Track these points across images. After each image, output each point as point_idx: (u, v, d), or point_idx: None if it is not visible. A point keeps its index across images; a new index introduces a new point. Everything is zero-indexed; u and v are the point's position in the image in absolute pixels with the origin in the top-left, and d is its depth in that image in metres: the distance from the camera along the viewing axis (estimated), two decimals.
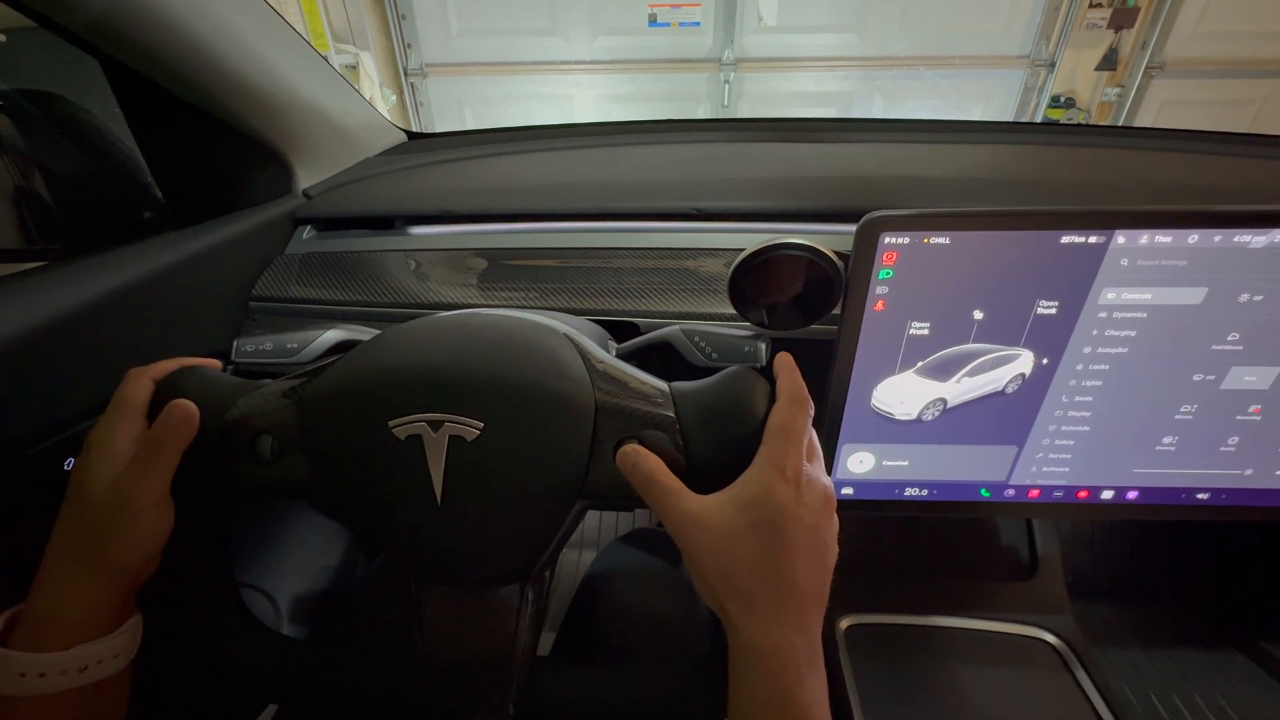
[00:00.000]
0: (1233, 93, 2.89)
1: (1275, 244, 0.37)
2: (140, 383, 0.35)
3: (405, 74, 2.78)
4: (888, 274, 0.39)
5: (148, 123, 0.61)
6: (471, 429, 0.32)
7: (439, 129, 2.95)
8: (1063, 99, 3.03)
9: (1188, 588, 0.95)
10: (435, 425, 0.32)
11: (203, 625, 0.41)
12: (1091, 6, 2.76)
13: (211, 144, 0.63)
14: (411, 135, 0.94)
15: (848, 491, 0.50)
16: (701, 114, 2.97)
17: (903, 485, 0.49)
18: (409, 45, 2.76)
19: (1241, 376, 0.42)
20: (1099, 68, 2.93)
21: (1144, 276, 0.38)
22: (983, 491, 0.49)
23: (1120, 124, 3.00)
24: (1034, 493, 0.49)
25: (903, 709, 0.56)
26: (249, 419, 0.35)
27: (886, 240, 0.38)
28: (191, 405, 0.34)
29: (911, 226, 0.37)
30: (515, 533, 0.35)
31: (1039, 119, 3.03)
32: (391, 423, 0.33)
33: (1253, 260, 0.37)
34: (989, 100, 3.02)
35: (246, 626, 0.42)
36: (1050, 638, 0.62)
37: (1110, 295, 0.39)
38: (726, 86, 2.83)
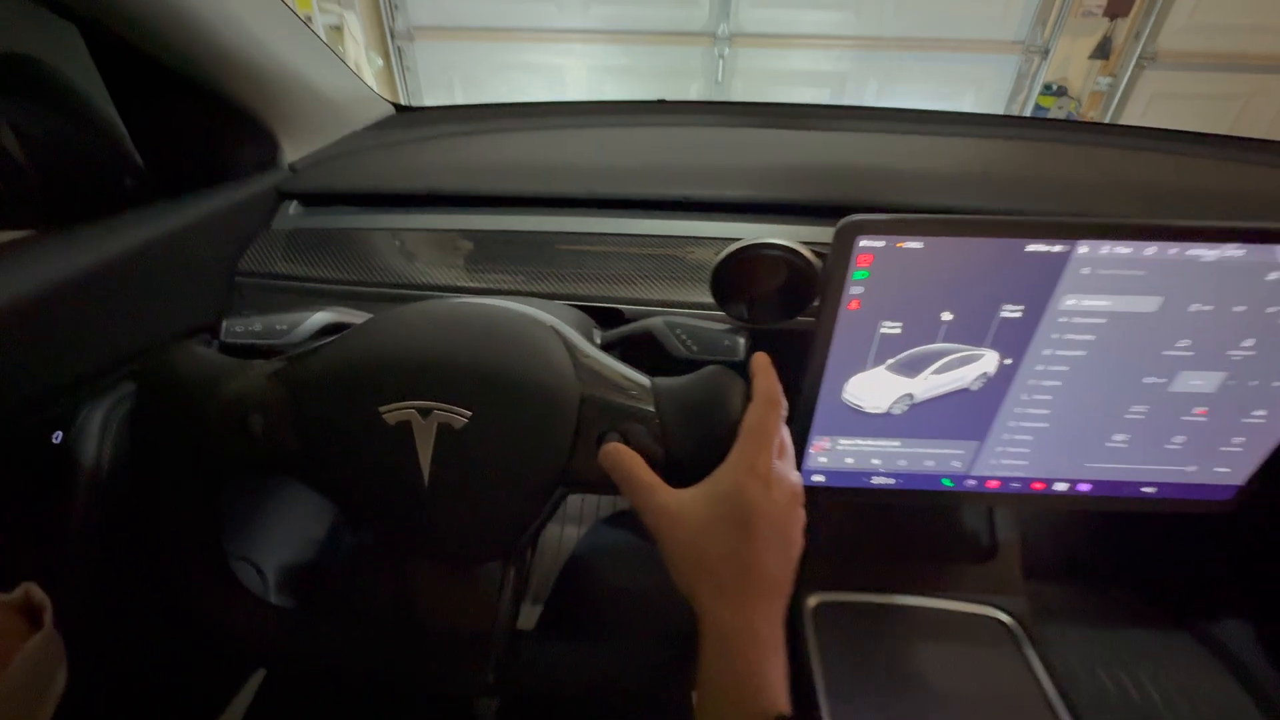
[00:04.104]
0: (1220, 87, 2.91)
1: (1225, 258, 0.39)
2: None
3: (392, 36, 2.70)
4: (863, 275, 0.41)
5: (129, 90, 0.60)
6: (459, 417, 0.34)
7: (426, 96, 2.89)
8: (1055, 87, 3.03)
9: (1140, 572, 1.01)
10: (424, 413, 0.34)
11: (195, 594, 0.42)
12: None
13: (196, 114, 0.62)
14: (399, 108, 0.93)
15: (819, 479, 0.52)
16: (695, 89, 2.93)
17: (870, 474, 0.52)
18: (396, 6, 2.67)
19: (1189, 380, 0.45)
20: (1093, 56, 2.93)
21: (1103, 285, 0.40)
22: (945, 481, 0.52)
23: (1110, 114, 3.02)
24: (993, 483, 0.51)
25: (863, 681, 0.59)
26: (241, 397, 0.36)
27: (862, 243, 0.39)
28: None
29: (886, 230, 0.39)
30: (499, 516, 0.36)
31: (1031, 106, 3.04)
32: (382, 408, 0.34)
33: (1204, 273, 0.40)
34: (982, 86, 3.01)
35: (237, 595, 0.43)
36: (1004, 616, 0.66)
37: (1071, 301, 0.41)
38: (721, 62, 2.78)
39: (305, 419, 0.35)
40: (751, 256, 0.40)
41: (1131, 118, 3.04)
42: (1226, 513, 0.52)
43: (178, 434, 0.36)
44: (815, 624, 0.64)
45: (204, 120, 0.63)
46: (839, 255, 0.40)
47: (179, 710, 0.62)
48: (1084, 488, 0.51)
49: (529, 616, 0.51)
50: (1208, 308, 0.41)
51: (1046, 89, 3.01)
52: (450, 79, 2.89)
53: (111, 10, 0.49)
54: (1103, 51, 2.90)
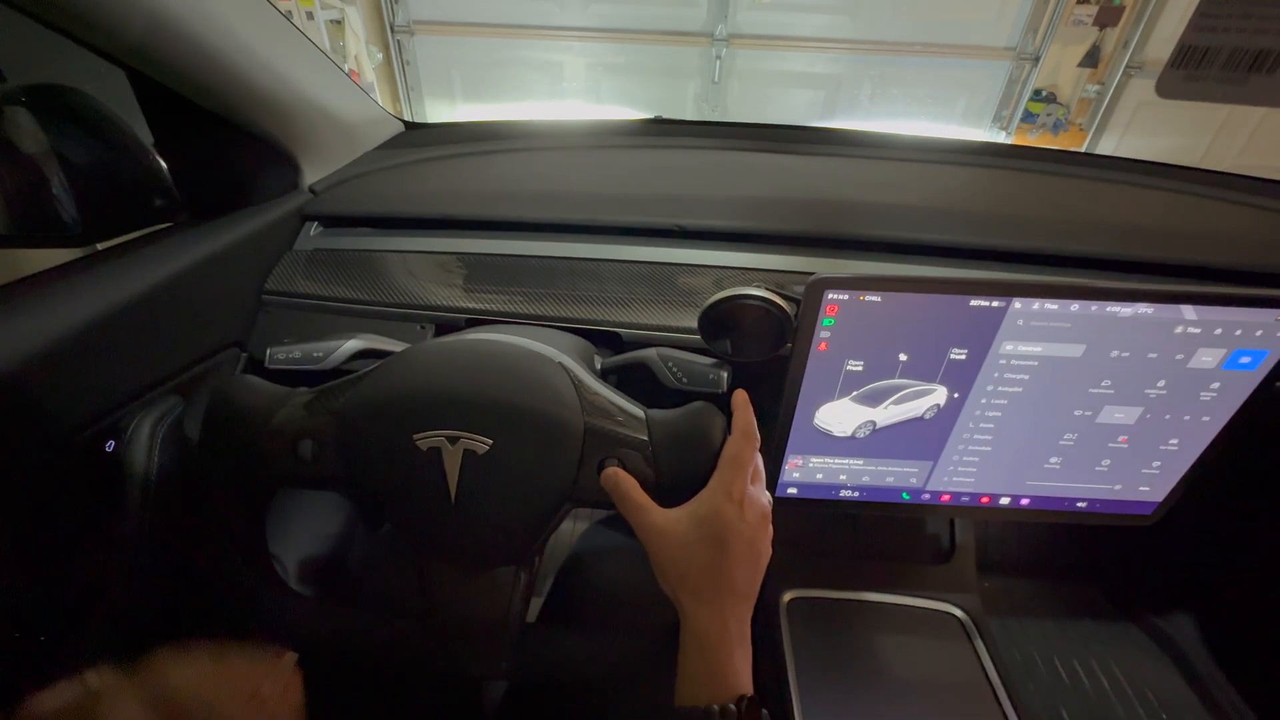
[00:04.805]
0: None
1: (1138, 314, 0.45)
2: None
3: (392, 30, 2.71)
4: (830, 322, 0.47)
5: (168, 126, 0.65)
6: (482, 444, 0.40)
7: (425, 89, 2.90)
8: (1044, 93, 3.10)
9: (1095, 569, 1.09)
10: (453, 440, 0.40)
11: (244, 588, 0.48)
12: (1079, 3, 2.81)
13: (226, 144, 0.67)
14: (408, 125, 0.97)
15: (792, 491, 0.59)
16: (692, 89, 2.96)
17: (838, 488, 0.58)
18: (396, 0, 2.68)
19: (1112, 414, 0.51)
20: (1082, 64, 3.00)
21: (1036, 334, 0.47)
22: (904, 495, 0.58)
23: (1097, 121, 3.09)
24: (945, 497, 0.58)
25: (830, 668, 0.66)
26: (292, 424, 0.42)
27: (830, 296, 0.46)
28: None
29: (850, 287, 0.45)
30: (514, 527, 0.42)
31: (1021, 112, 3.10)
32: (416, 436, 0.40)
33: (1121, 325, 0.46)
34: (974, 91, 3.06)
35: (280, 589, 0.49)
36: (958, 612, 0.73)
37: (1009, 347, 0.48)
38: (718, 62, 2.82)
39: (349, 444, 0.41)
40: (734, 304, 0.46)
41: (1118, 125, 3.11)
42: (1148, 525, 0.59)
43: (239, 458, 0.42)
44: (789, 617, 0.70)
45: (233, 149, 0.68)
46: (809, 306, 0.46)
47: None
48: (1024, 502, 0.58)
49: (531, 608, 0.57)
50: (1125, 354, 0.48)
51: (1036, 95, 3.08)
52: (449, 73, 2.91)
53: (163, 66, 0.54)
54: (1091, 60, 2.96)
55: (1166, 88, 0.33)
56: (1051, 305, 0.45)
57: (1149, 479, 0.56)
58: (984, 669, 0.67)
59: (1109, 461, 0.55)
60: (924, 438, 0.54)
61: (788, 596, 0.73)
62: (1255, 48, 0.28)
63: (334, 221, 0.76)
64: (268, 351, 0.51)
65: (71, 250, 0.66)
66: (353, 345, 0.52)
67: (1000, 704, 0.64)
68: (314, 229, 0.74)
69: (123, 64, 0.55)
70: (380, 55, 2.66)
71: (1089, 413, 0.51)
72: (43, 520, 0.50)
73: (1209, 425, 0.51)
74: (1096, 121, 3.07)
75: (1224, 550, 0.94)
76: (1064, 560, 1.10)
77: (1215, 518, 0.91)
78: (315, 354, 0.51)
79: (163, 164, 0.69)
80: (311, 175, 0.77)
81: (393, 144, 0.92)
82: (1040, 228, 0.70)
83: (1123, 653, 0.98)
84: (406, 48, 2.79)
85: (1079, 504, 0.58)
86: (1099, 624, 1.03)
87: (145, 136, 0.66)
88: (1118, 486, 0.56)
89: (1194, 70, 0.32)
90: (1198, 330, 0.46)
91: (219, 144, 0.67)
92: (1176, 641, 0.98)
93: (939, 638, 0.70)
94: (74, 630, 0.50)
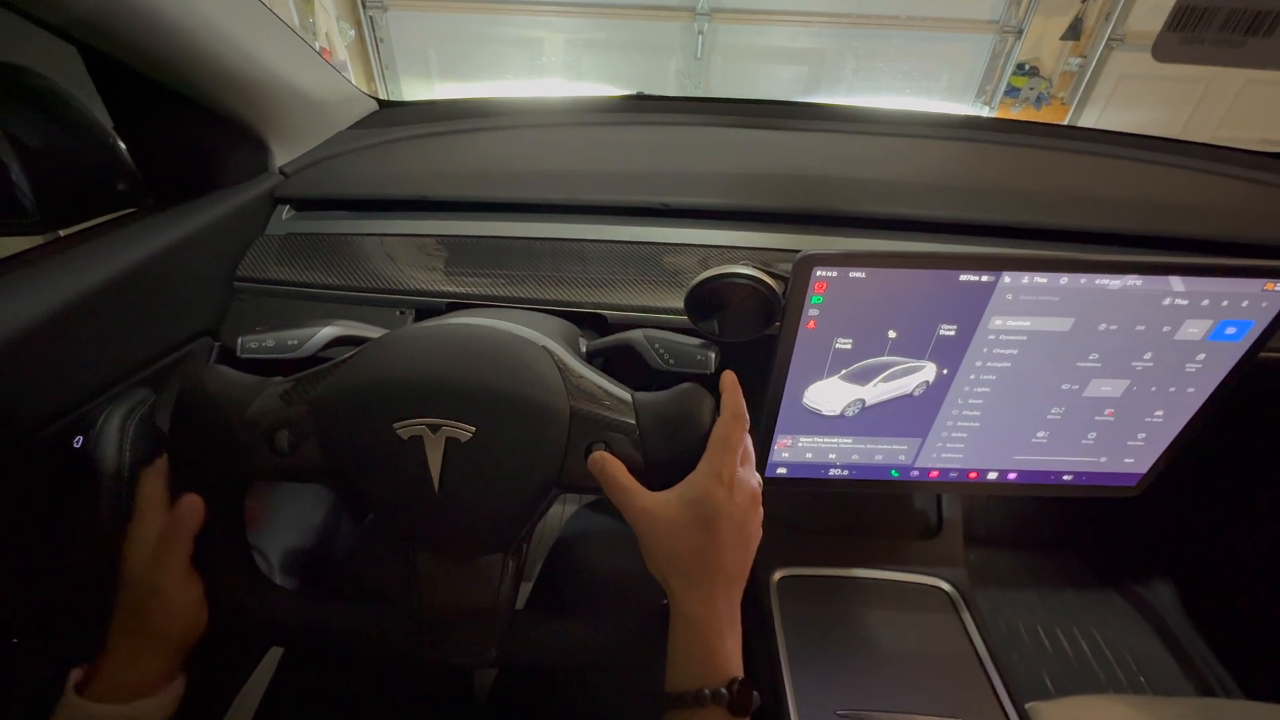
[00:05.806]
0: (1185, 69, 2.99)
1: (1127, 287, 0.45)
2: (153, 481, 0.41)
3: (364, 6, 2.62)
4: (819, 299, 0.46)
5: (126, 106, 0.62)
6: (465, 432, 0.39)
7: (400, 68, 2.82)
8: (1027, 67, 3.09)
9: (1078, 539, 1.11)
10: (434, 428, 0.39)
11: (225, 586, 0.47)
12: None
13: (190, 125, 0.64)
14: (382, 104, 0.94)
15: (782, 471, 0.59)
16: (674, 65, 2.91)
17: (828, 467, 0.58)
18: None
19: (1099, 387, 0.51)
20: (1064, 37, 2.99)
21: (1025, 308, 0.47)
22: (893, 472, 0.58)
23: (1079, 94, 3.09)
24: (934, 473, 0.58)
25: (820, 644, 0.67)
26: (268, 415, 0.40)
27: (818, 273, 0.45)
28: (196, 499, 0.40)
29: (839, 263, 0.44)
30: (500, 515, 0.42)
31: (1004, 86, 3.10)
32: (396, 425, 0.39)
33: (1110, 298, 0.46)
34: (957, 64, 3.05)
35: (262, 584, 0.48)
36: (945, 585, 0.74)
37: (998, 321, 0.47)
38: (700, 37, 2.77)
39: (328, 435, 0.40)
40: (721, 283, 0.45)
41: (1100, 97, 3.12)
42: (1132, 496, 0.60)
43: (213, 451, 0.40)
44: (779, 595, 0.71)
45: (197, 129, 0.65)
46: (798, 283, 0.45)
47: (200, 689, 0.67)
48: (1012, 476, 0.58)
49: (520, 593, 0.57)
50: (1113, 327, 0.47)
51: (1019, 69, 3.07)
52: (425, 51, 2.83)
53: (115, 40, 0.51)
54: (1074, 32, 2.96)
55: (1163, 51, 0.33)
56: (1041, 279, 0.45)
57: (1134, 451, 0.56)
58: (971, 640, 0.68)
59: (1095, 434, 0.55)
60: (913, 415, 0.54)
61: (777, 575, 0.73)
62: (1253, 8, 0.28)
63: (307, 204, 0.73)
64: (240, 340, 0.49)
65: (30, 239, 0.63)
66: (329, 332, 0.50)
67: (987, 673, 0.65)
68: (286, 212, 0.72)
69: (74, 39, 0.52)
70: (352, 32, 2.57)
71: (1076, 386, 0.51)
72: (7, 522, 0.48)
73: (1194, 396, 0.52)
74: (1078, 95, 3.08)
75: (1201, 519, 0.96)
76: (1047, 532, 1.12)
77: (1193, 487, 0.93)
78: (290, 342, 0.49)
79: (123, 147, 0.66)
80: (282, 157, 0.74)
81: (366, 123, 0.89)
82: (1028, 201, 0.70)
83: (1103, 620, 1.01)
84: (379, 24, 2.70)
85: (1065, 477, 0.58)
86: (1081, 593, 1.06)
87: (104, 118, 0.62)
88: (1103, 459, 0.57)
89: (1191, 32, 0.31)
90: (1185, 302, 0.46)
91: (183, 125, 0.64)
92: (1155, 608, 1.01)
93: (927, 611, 0.71)
94: (44, 633, 0.48)
